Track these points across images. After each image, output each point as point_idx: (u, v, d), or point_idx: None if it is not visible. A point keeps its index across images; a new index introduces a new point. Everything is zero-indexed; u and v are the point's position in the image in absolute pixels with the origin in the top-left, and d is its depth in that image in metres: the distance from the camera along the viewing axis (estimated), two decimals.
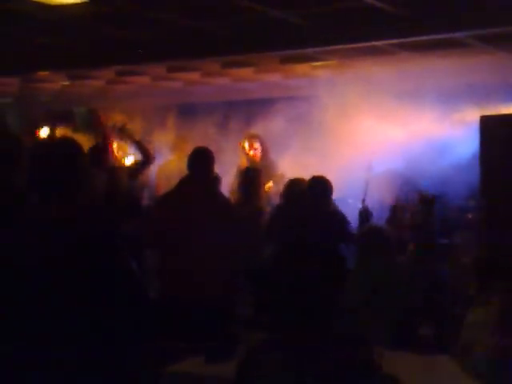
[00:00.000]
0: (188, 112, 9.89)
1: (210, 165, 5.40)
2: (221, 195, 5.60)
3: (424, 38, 7.00)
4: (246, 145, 8.14)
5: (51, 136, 9.47)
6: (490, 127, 6.31)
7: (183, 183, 5.51)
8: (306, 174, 7.50)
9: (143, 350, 3.04)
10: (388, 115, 8.15)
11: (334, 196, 7.37)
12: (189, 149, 8.27)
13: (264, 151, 8.11)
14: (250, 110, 9.19)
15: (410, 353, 4.06)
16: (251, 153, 8.07)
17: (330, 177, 7.51)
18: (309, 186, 6.28)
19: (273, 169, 7.89)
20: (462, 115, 8.54)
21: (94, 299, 2.88)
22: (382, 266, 4.97)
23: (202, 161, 5.39)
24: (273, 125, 8.53)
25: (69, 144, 3.18)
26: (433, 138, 8.57)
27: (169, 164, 8.58)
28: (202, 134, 8.99)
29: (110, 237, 3.04)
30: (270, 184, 7.47)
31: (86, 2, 6.28)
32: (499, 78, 8.23)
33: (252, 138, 8.17)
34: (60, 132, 9.91)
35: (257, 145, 8.10)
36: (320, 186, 6.25)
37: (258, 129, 8.63)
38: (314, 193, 6.22)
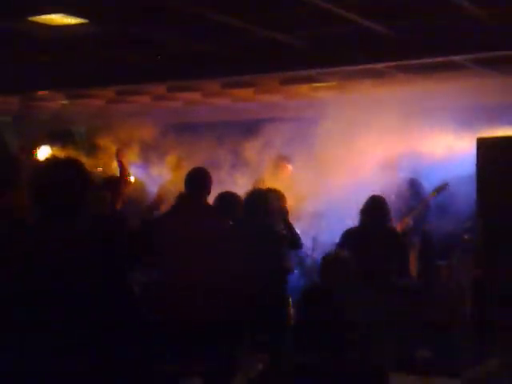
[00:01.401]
0: (188, 131, 9.92)
1: (206, 184, 5.41)
2: (218, 214, 5.59)
3: (422, 60, 7.06)
4: (278, 165, 7.92)
5: (54, 156, 9.48)
6: (487, 149, 6.34)
7: (181, 203, 5.53)
8: (306, 193, 7.57)
9: (143, 373, 3.03)
10: (387, 136, 8.18)
11: (332, 216, 7.40)
12: (189, 168, 8.34)
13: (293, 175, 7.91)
14: (249, 129, 9.22)
15: (409, 375, 4.05)
16: (282, 174, 7.79)
17: (327, 196, 7.57)
18: (371, 205, 6.37)
19: (296, 194, 7.74)
20: (459, 137, 8.58)
21: (92, 318, 2.88)
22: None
23: (198, 180, 5.41)
24: (272, 144, 8.54)
25: (74, 166, 3.16)
26: (431, 159, 8.60)
27: (169, 183, 8.57)
28: (202, 154, 9.00)
29: (111, 258, 3.04)
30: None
31: (86, 23, 6.34)
32: (497, 99, 8.28)
33: (285, 159, 7.94)
34: (60, 152, 9.93)
35: (289, 167, 7.91)
36: (380, 204, 6.37)
37: (257, 149, 8.64)
38: (375, 210, 6.34)
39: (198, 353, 4.65)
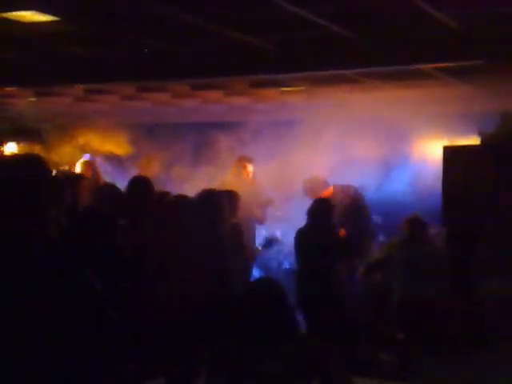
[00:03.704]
0: (156, 132, 9.91)
1: (150, 192, 5.45)
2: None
3: (390, 68, 7.14)
4: (240, 165, 7.95)
5: (16, 152, 9.40)
6: (453, 157, 6.43)
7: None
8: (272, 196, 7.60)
9: (107, 373, 3.02)
10: (353, 141, 8.26)
11: (298, 220, 7.45)
12: (155, 169, 8.31)
13: (254, 175, 8.00)
14: (218, 132, 9.24)
15: (370, 379, 4.08)
16: (244, 174, 7.86)
17: (294, 199, 7.64)
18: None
19: (259, 193, 7.77)
20: (425, 144, 8.69)
21: (55, 314, 2.86)
22: None
23: (141, 190, 5.45)
24: (240, 147, 8.57)
25: (33, 161, 3.13)
26: (396, 166, 8.70)
27: None
28: (170, 155, 8.99)
29: (73, 256, 3.02)
30: (252, 209, 7.27)
31: (56, 21, 6.29)
32: (462, 108, 8.41)
33: (246, 160, 8.05)
34: (26, 149, 9.83)
35: (250, 167, 8.02)
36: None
37: (224, 151, 8.66)
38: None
39: (161, 353, 4.64)
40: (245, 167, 7.92)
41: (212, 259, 5.29)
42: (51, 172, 3.21)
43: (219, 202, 5.67)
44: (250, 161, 8.00)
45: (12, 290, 2.84)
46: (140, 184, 5.65)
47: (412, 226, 6.51)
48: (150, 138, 9.60)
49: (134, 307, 4.94)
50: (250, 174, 7.92)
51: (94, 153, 9.41)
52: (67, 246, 3.08)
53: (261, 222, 7.75)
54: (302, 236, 6.71)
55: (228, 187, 6.52)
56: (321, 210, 6.61)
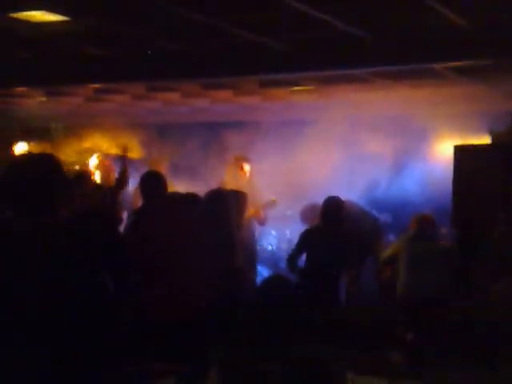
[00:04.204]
0: (166, 132, 9.94)
1: (162, 188, 5.45)
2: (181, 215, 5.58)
3: (401, 67, 7.12)
4: (237, 165, 7.92)
5: (28, 152, 9.42)
6: (464, 156, 6.42)
7: (143, 210, 5.52)
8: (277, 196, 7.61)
9: (115, 373, 3.02)
10: (363, 141, 8.25)
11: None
12: (165, 169, 8.34)
13: (251, 174, 7.95)
14: (228, 131, 9.26)
15: (379, 378, 4.06)
16: (241, 174, 7.81)
17: (303, 199, 7.64)
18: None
19: (257, 193, 7.74)
20: (436, 144, 8.68)
21: (64, 312, 2.87)
22: None
23: (153, 185, 5.44)
24: (250, 146, 8.58)
25: (46, 160, 3.14)
26: (406, 165, 8.69)
27: None
28: (180, 154, 9.02)
29: (83, 253, 3.03)
30: (253, 210, 7.25)
31: (66, 20, 6.32)
32: (473, 108, 8.38)
33: (243, 159, 8.00)
34: (37, 148, 9.87)
35: (247, 167, 7.98)
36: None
37: (233, 150, 8.66)
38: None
39: (171, 352, 4.65)
40: (242, 167, 7.86)
41: (219, 257, 5.31)
42: (64, 171, 3.21)
43: (227, 202, 5.67)
44: (247, 160, 7.93)
45: (23, 289, 2.85)
46: (152, 179, 5.60)
47: (420, 224, 6.48)
48: (160, 137, 9.64)
49: (141, 306, 4.96)
50: (248, 174, 7.86)
51: (103, 154, 9.42)
52: (79, 245, 3.08)
53: (261, 222, 7.66)
54: (309, 233, 6.66)
55: (225, 187, 6.52)
56: (331, 208, 6.53)
